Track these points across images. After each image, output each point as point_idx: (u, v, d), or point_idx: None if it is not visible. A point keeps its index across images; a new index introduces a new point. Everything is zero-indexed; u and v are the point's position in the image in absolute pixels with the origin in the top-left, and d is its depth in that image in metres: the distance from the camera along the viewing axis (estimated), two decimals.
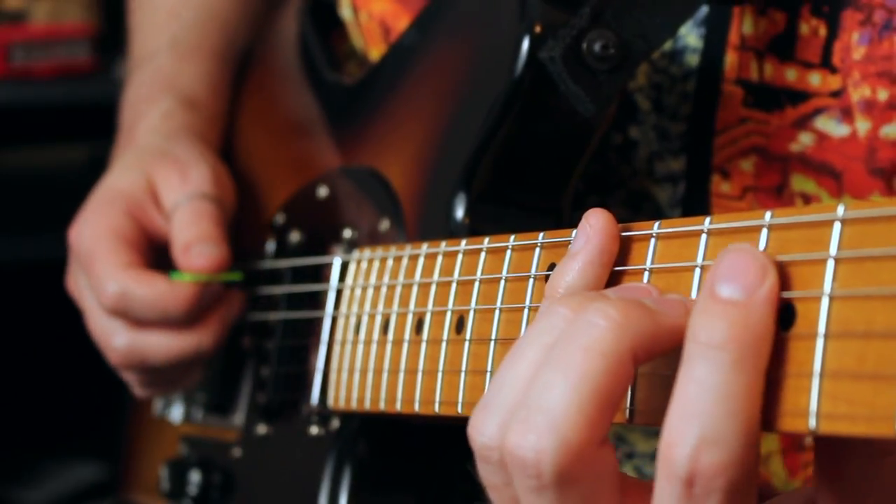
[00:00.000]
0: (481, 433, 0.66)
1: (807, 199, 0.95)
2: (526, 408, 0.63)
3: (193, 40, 1.27)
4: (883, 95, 0.91)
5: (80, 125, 2.44)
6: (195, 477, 1.14)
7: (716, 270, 0.60)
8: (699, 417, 0.59)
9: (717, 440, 0.58)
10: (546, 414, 0.62)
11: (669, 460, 0.59)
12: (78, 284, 1.15)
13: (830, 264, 0.58)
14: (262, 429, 1.09)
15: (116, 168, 1.17)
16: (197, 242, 1.09)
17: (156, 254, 1.13)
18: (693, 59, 0.98)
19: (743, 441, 0.58)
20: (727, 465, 0.58)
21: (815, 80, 0.93)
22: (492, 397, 0.66)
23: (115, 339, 1.11)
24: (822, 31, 0.92)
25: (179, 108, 1.21)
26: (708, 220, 0.65)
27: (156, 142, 1.18)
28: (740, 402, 0.58)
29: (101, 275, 1.09)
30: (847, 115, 0.92)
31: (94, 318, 1.13)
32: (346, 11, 1.21)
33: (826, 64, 0.92)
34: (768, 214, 0.62)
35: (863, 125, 0.92)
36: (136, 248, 1.11)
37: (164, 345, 1.10)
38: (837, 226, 0.58)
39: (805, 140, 0.94)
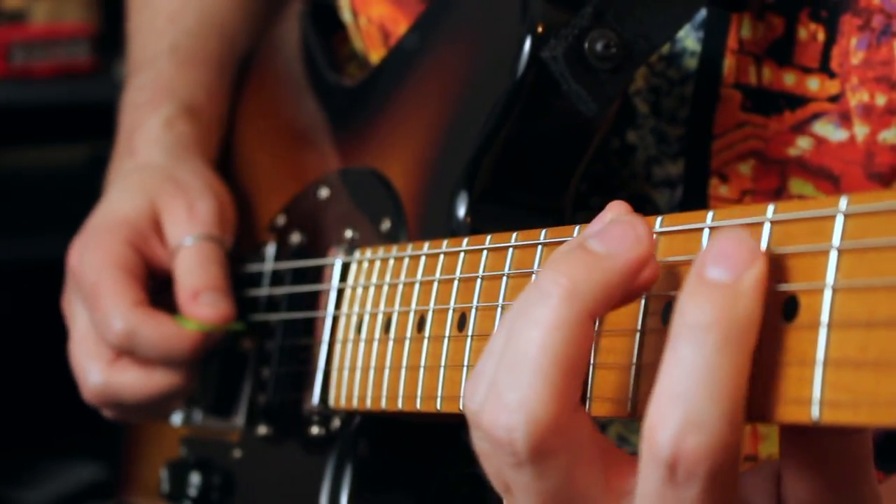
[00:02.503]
0: (470, 400, 0.66)
1: None
2: (495, 386, 0.63)
3: (193, 46, 1.27)
4: (881, 100, 0.91)
5: (80, 125, 2.45)
6: (195, 478, 1.14)
7: (705, 253, 0.60)
8: (683, 399, 0.58)
9: (701, 423, 0.58)
10: (513, 391, 0.62)
11: (652, 443, 0.59)
12: (72, 308, 1.15)
13: (833, 255, 0.58)
14: (262, 429, 1.10)
15: (118, 188, 1.17)
16: (205, 290, 1.10)
17: (154, 284, 1.13)
18: (691, 63, 0.98)
19: (727, 425, 0.58)
20: (711, 449, 0.58)
21: (814, 84, 0.94)
22: (479, 367, 0.66)
23: (91, 376, 1.11)
24: (821, 36, 0.93)
25: (180, 117, 1.21)
26: (710, 214, 0.65)
27: (159, 161, 1.18)
28: (725, 385, 0.58)
29: (108, 311, 1.08)
30: (845, 119, 0.93)
31: (78, 347, 1.13)
32: (346, 15, 1.21)
33: (824, 69, 0.93)
34: (771, 209, 0.62)
35: (861, 130, 0.92)
36: (141, 283, 1.11)
37: (138, 385, 1.10)
38: (840, 218, 0.58)
39: (803, 144, 0.95)
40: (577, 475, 0.63)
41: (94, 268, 1.10)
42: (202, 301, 1.09)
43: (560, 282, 0.62)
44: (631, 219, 0.64)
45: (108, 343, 1.09)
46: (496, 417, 0.63)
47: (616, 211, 0.67)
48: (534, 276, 0.78)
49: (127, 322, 1.07)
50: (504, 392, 0.63)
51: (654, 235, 0.66)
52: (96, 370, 1.11)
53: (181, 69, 1.25)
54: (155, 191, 1.15)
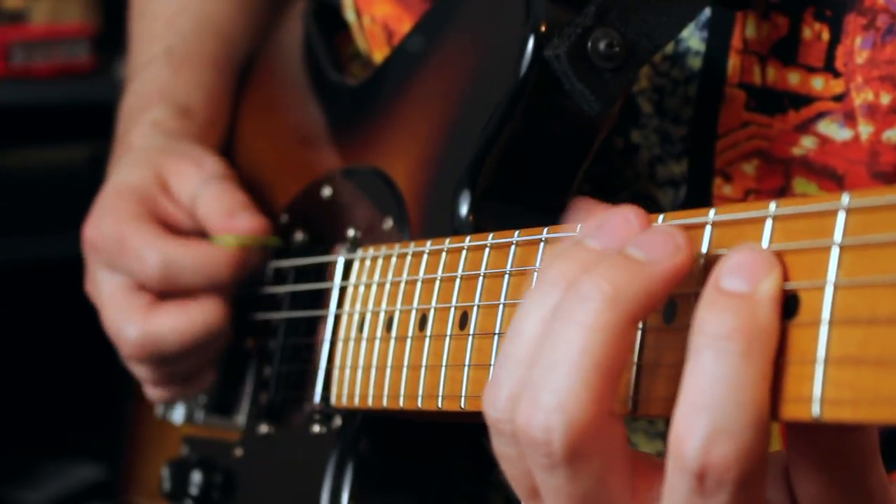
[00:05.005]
0: (493, 407, 0.66)
1: None
2: (532, 387, 0.63)
3: (189, 48, 1.27)
4: (886, 99, 0.91)
5: (80, 125, 2.45)
6: (197, 477, 1.14)
7: (721, 266, 0.61)
8: (709, 409, 0.59)
9: (729, 431, 0.58)
10: (552, 393, 0.62)
11: (680, 454, 0.59)
12: (95, 282, 1.13)
13: (835, 252, 0.58)
14: (264, 428, 1.10)
15: (120, 169, 1.17)
16: (240, 208, 1.09)
17: None
18: (695, 63, 0.98)
19: (754, 432, 0.58)
20: (739, 456, 0.58)
21: (818, 84, 0.93)
22: (499, 372, 0.66)
23: (128, 330, 1.09)
24: (825, 36, 0.92)
25: (171, 117, 1.21)
26: (713, 211, 0.65)
27: (155, 142, 1.18)
28: (750, 392, 0.58)
29: (139, 248, 1.07)
30: (850, 119, 0.93)
31: (110, 309, 1.11)
32: (349, 14, 1.21)
33: (829, 68, 0.93)
34: (773, 205, 0.62)
35: (865, 129, 0.92)
36: (162, 226, 1.10)
37: (179, 325, 1.08)
38: (842, 214, 0.58)
39: (807, 144, 0.95)
40: (608, 480, 0.63)
41: (113, 225, 1.09)
42: (237, 217, 1.09)
43: (602, 287, 0.62)
44: (671, 228, 0.64)
45: (146, 284, 1.08)
46: (532, 418, 0.63)
47: (580, 206, 0.68)
48: (535, 274, 0.77)
49: (161, 253, 1.06)
50: (541, 393, 0.63)
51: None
52: (132, 323, 1.09)
53: (177, 72, 1.25)
54: (155, 160, 1.15)
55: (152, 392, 1.16)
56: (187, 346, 1.09)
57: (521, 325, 0.66)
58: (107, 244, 1.10)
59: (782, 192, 0.96)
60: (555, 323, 0.63)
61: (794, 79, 0.94)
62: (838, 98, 0.93)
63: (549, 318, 0.64)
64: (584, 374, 0.62)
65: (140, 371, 1.14)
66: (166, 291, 1.09)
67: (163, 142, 1.18)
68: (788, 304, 0.60)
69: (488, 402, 0.66)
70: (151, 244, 1.07)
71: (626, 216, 0.66)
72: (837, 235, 0.58)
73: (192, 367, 1.13)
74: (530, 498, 0.67)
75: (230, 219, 1.09)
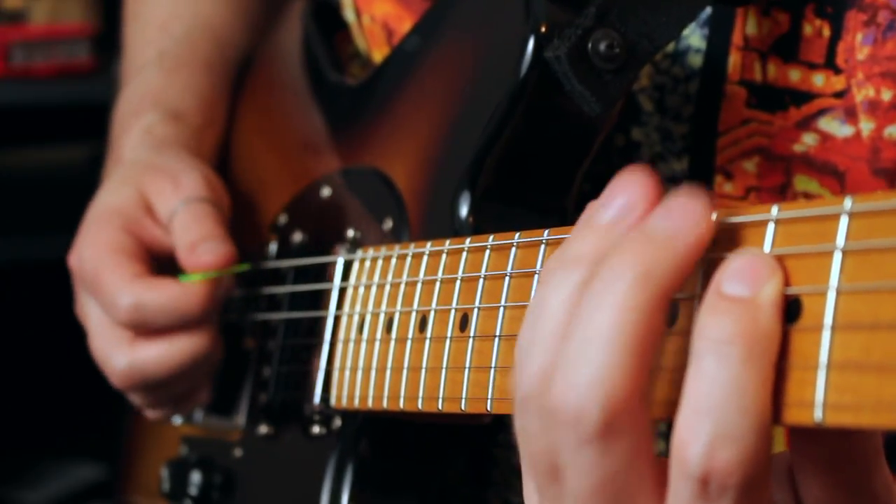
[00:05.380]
0: (522, 384, 0.65)
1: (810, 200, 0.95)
2: (565, 364, 0.62)
3: (181, 53, 1.27)
4: (887, 96, 0.91)
5: (80, 125, 2.45)
6: (196, 477, 1.14)
7: (723, 271, 0.60)
8: (711, 414, 0.58)
9: (731, 436, 0.58)
10: (588, 370, 0.61)
11: (683, 459, 0.59)
12: (83, 309, 1.14)
13: (837, 257, 0.58)
14: (263, 429, 1.09)
15: (106, 187, 1.17)
16: (201, 241, 1.09)
17: (157, 265, 1.12)
18: (696, 60, 0.98)
19: (756, 436, 0.58)
20: (742, 461, 0.58)
21: (819, 80, 0.93)
22: (525, 348, 0.66)
23: (115, 361, 1.10)
24: (826, 32, 0.92)
25: (161, 122, 1.21)
26: (714, 214, 0.65)
27: (142, 156, 1.18)
28: (752, 397, 0.58)
29: (111, 290, 1.08)
30: (851, 115, 0.92)
31: (97, 339, 1.12)
32: (349, 14, 1.21)
33: (830, 64, 0.92)
34: (775, 209, 0.62)
35: (867, 125, 0.92)
36: (140, 259, 1.10)
37: (163, 356, 1.09)
38: (844, 219, 0.58)
39: (808, 140, 0.94)
40: (636, 463, 0.63)
41: (92, 258, 1.10)
42: (199, 251, 1.08)
43: (631, 266, 0.62)
44: (688, 196, 0.63)
45: (120, 324, 1.09)
46: (566, 394, 0.62)
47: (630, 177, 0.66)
48: (535, 275, 0.77)
49: (131, 294, 1.07)
50: (576, 370, 0.62)
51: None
52: (118, 354, 1.10)
53: (169, 76, 1.25)
54: (139, 178, 1.14)
55: (149, 413, 1.18)
56: (174, 374, 1.10)
57: (547, 302, 0.65)
58: (86, 277, 1.11)
59: (783, 190, 0.96)
60: (585, 301, 0.63)
61: (794, 75, 0.94)
62: (839, 95, 0.92)
63: (577, 295, 0.64)
64: (619, 351, 0.61)
65: (132, 397, 1.15)
66: (142, 331, 1.09)
67: (148, 155, 1.17)
68: (791, 309, 0.59)
69: (516, 380, 0.66)
70: (122, 289, 1.07)
71: (642, 184, 0.65)
72: (840, 240, 0.58)
73: (184, 390, 1.14)
74: (549, 478, 0.66)
75: (192, 254, 1.08)
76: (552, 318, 0.65)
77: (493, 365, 0.79)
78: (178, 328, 1.08)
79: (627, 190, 0.65)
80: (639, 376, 0.61)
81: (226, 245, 1.09)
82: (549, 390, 0.63)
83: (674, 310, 0.66)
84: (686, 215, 0.62)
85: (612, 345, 0.61)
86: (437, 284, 0.87)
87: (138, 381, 1.11)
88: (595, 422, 0.61)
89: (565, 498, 0.65)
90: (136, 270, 1.09)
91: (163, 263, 1.12)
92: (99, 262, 1.09)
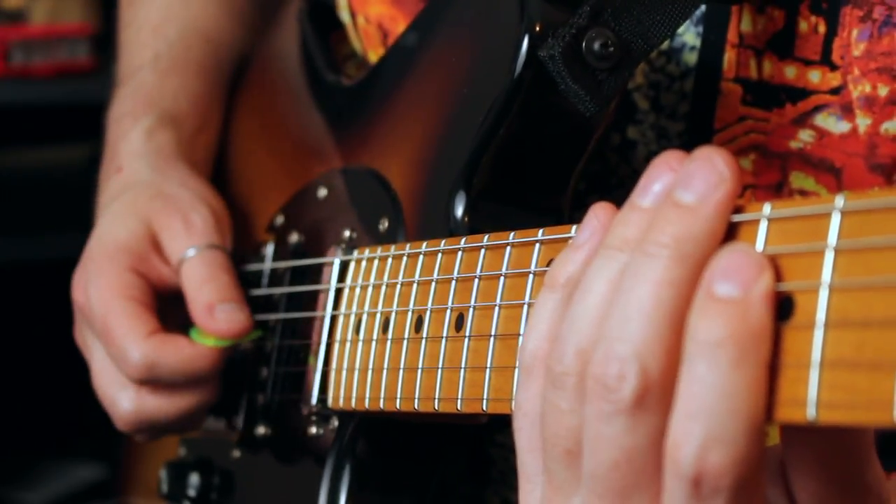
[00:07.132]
0: (559, 361, 0.65)
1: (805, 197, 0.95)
2: (605, 340, 0.63)
3: (175, 55, 1.27)
4: (883, 91, 0.91)
5: (80, 125, 2.44)
6: (194, 478, 1.14)
7: (711, 270, 0.60)
8: (702, 416, 0.59)
9: (722, 439, 0.58)
10: (628, 343, 0.62)
11: (676, 460, 0.60)
12: (86, 341, 1.14)
13: (829, 255, 0.58)
14: (261, 429, 1.09)
15: (110, 213, 1.15)
16: (219, 302, 1.08)
17: (161, 303, 1.12)
18: (691, 58, 0.98)
19: (748, 438, 0.58)
20: (733, 463, 0.58)
21: (815, 77, 0.93)
22: (567, 330, 0.66)
23: (121, 405, 1.10)
24: (822, 28, 0.92)
25: (159, 126, 1.20)
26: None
27: (144, 177, 1.17)
28: (743, 399, 0.58)
29: (122, 344, 1.07)
30: (847, 111, 0.92)
31: (102, 378, 1.12)
32: (344, 15, 1.21)
33: (826, 61, 0.92)
34: (768, 207, 0.62)
35: (863, 121, 0.92)
36: (150, 310, 1.10)
37: (170, 407, 1.09)
38: (837, 216, 0.58)
39: (805, 137, 0.94)
40: (655, 448, 0.62)
41: (101, 302, 1.09)
42: (218, 316, 1.08)
43: (665, 242, 0.62)
44: (707, 155, 0.63)
45: (129, 377, 1.08)
46: (607, 367, 0.62)
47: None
48: (531, 276, 0.77)
49: (144, 354, 1.06)
50: (616, 343, 0.62)
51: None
52: (125, 397, 1.10)
53: (163, 78, 1.25)
54: (147, 211, 1.13)
55: (142, 439, 1.18)
56: (181, 419, 1.11)
57: (589, 287, 0.66)
58: (94, 320, 1.10)
59: (779, 187, 0.96)
60: (624, 282, 0.63)
61: (790, 72, 0.94)
62: (835, 91, 0.92)
63: (618, 279, 0.64)
64: (658, 325, 0.62)
65: (134, 435, 1.16)
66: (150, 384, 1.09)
67: (152, 178, 1.16)
68: (783, 307, 0.59)
69: (554, 357, 0.66)
70: (134, 345, 1.07)
71: (667, 163, 0.65)
72: (832, 238, 0.58)
73: (186, 424, 1.14)
74: (564, 462, 0.66)
75: (210, 317, 1.08)
76: (593, 300, 0.65)
77: (488, 365, 0.79)
78: (187, 384, 1.09)
79: (663, 176, 0.65)
80: (675, 350, 0.62)
81: (242, 311, 1.09)
82: (590, 363, 0.63)
83: None
84: (707, 178, 0.62)
85: (651, 319, 0.62)
86: (433, 284, 0.87)
87: (144, 426, 1.11)
88: (633, 389, 0.62)
89: (579, 480, 0.65)
90: (149, 326, 1.08)
91: (167, 300, 1.12)
92: (108, 310, 1.08)
